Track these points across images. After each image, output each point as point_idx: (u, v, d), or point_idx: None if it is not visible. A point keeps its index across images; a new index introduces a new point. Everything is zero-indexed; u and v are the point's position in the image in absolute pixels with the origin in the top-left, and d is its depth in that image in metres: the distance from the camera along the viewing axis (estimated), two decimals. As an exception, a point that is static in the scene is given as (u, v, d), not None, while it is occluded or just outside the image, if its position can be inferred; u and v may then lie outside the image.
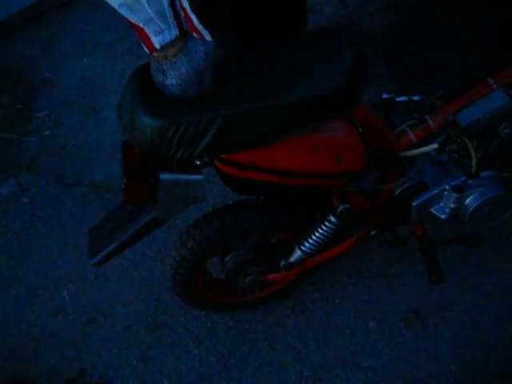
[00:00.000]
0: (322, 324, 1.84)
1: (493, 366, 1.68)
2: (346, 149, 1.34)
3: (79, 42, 3.02)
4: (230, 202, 1.58)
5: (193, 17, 1.41)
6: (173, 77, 1.10)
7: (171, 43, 1.06)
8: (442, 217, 1.59)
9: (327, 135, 1.31)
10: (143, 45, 1.07)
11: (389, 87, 2.50)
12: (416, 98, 1.66)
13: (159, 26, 1.03)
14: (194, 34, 1.43)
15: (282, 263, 1.65)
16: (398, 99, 1.64)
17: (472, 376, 1.68)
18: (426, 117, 1.51)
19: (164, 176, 1.28)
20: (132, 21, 1.02)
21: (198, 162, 1.28)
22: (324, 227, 1.54)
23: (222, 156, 1.28)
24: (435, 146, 1.49)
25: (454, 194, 1.53)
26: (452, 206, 1.56)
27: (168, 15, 1.02)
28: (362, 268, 1.93)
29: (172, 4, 1.02)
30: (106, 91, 2.74)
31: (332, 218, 1.52)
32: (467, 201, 1.56)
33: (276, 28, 1.64)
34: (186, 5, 1.39)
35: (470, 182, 1.54)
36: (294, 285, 1.85)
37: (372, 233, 1.67)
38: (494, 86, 1.45)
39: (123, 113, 1.18)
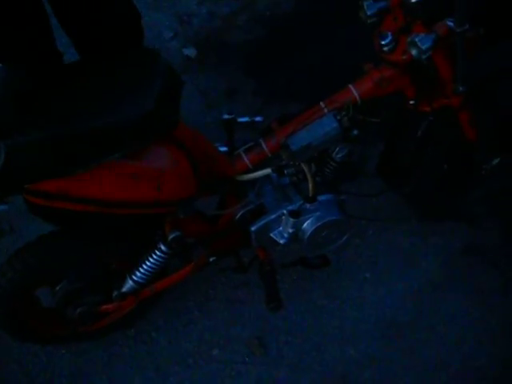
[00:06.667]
0: (165, 354, 1.74)
1: (331, 389, 1.68)
2: (169, 176, 1.27)
3: None
4: (56, 229, 1.45)
5: None
6: None
7: None
8: (281, 241, 1.56)
9: (147, 162, 1.23)
10: None
11: (250, 103, 2.47)
12: (258, 118, 1.62)
13: None
14: None
15: (115, 294, 1.54)
16: (240, 120, 1.59)
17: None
18: (261, 140, 1.48)
19: None
20: None
21: (-5, 194, 1.15)
22: (155, 256, 1.45)
23: (26, 186, 1.16)
24: (268, 170, 1.45)
25: (291, 219, 1.51)
26: (290, 230, 1.53)
27: None
28: (208, 292, 1.86)
29: None
30: None
31: (162, 247, 1.43)
32: (304, 225, 1.53)
33: (101, 47, 1.53)
34: None
35: (307, 206, 1.52)
36: (136, 313, 1.74)
37: (211, 259, 1.60)
38: (325, 111, 1.44)
39: None
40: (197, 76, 2.54)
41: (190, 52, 2.67)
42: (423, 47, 1.31)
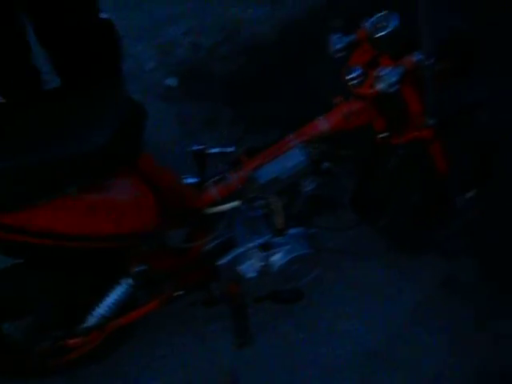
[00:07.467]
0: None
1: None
2: (128, 209, 1.24)
3: None
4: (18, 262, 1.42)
5: None
6: None
7: None
8: (251, 275, 1.53)
9: (105, 195, 1.21)
10: None
11: (230, 133, 2.46)
12: (229, 149, 1.60)
13: None
14: None
15: (79, 328, 1.50)
16: (211, 151, 1.57)
17: None
18: (229, 172, 1.46)
19: None
20: None
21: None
22: (119, 290, 1.42)
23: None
24: (235, 203, 1.43)
25: (259, 253, 1.48)
26: (259, 264, 1.51)
27: None
28: (181, 326, 1.81)
29: None
30: None
31: (127, 280, 1.41)
32: (273, 259, 1.51)
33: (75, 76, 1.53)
34: None
35: (277, 239, 1.50)
36: (109, 347, 1.70)
37: (177, 293, 1.57)
38: (294, 143, 1.43)
39: None
40: (177, 105, 2.55)
41: (172, 82, 2.68)
42: (390, 81, 1.30)
